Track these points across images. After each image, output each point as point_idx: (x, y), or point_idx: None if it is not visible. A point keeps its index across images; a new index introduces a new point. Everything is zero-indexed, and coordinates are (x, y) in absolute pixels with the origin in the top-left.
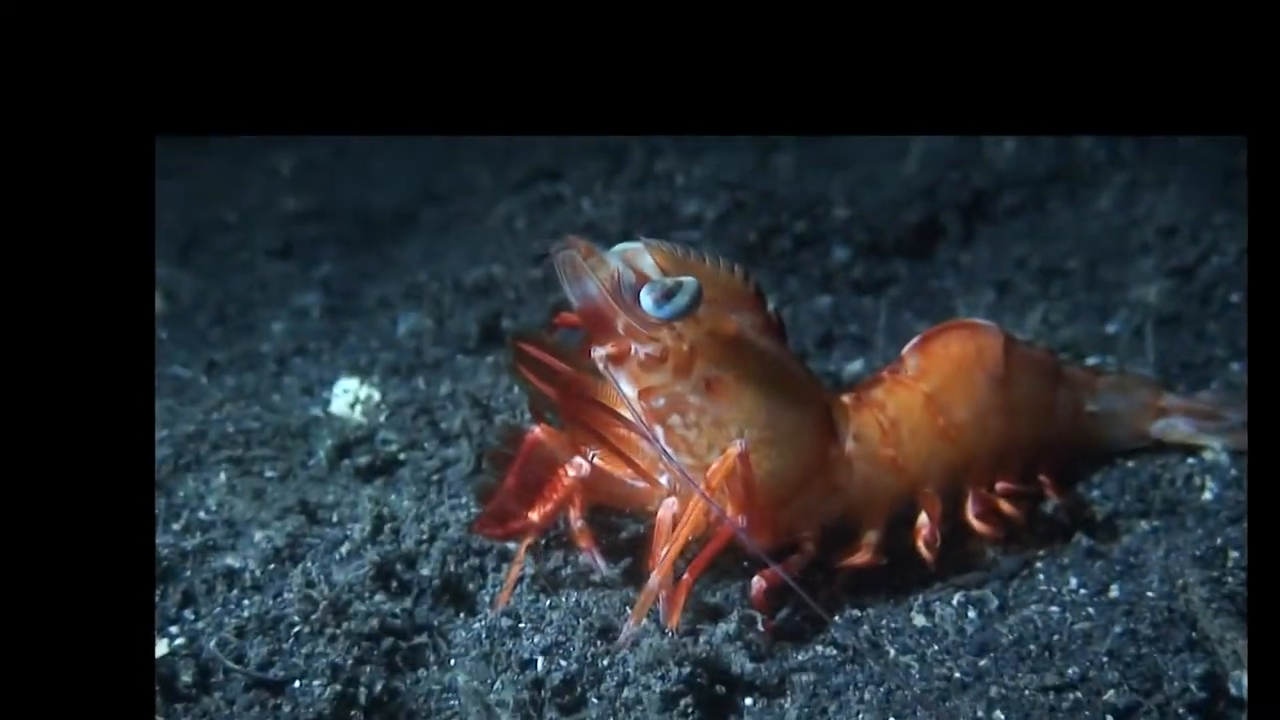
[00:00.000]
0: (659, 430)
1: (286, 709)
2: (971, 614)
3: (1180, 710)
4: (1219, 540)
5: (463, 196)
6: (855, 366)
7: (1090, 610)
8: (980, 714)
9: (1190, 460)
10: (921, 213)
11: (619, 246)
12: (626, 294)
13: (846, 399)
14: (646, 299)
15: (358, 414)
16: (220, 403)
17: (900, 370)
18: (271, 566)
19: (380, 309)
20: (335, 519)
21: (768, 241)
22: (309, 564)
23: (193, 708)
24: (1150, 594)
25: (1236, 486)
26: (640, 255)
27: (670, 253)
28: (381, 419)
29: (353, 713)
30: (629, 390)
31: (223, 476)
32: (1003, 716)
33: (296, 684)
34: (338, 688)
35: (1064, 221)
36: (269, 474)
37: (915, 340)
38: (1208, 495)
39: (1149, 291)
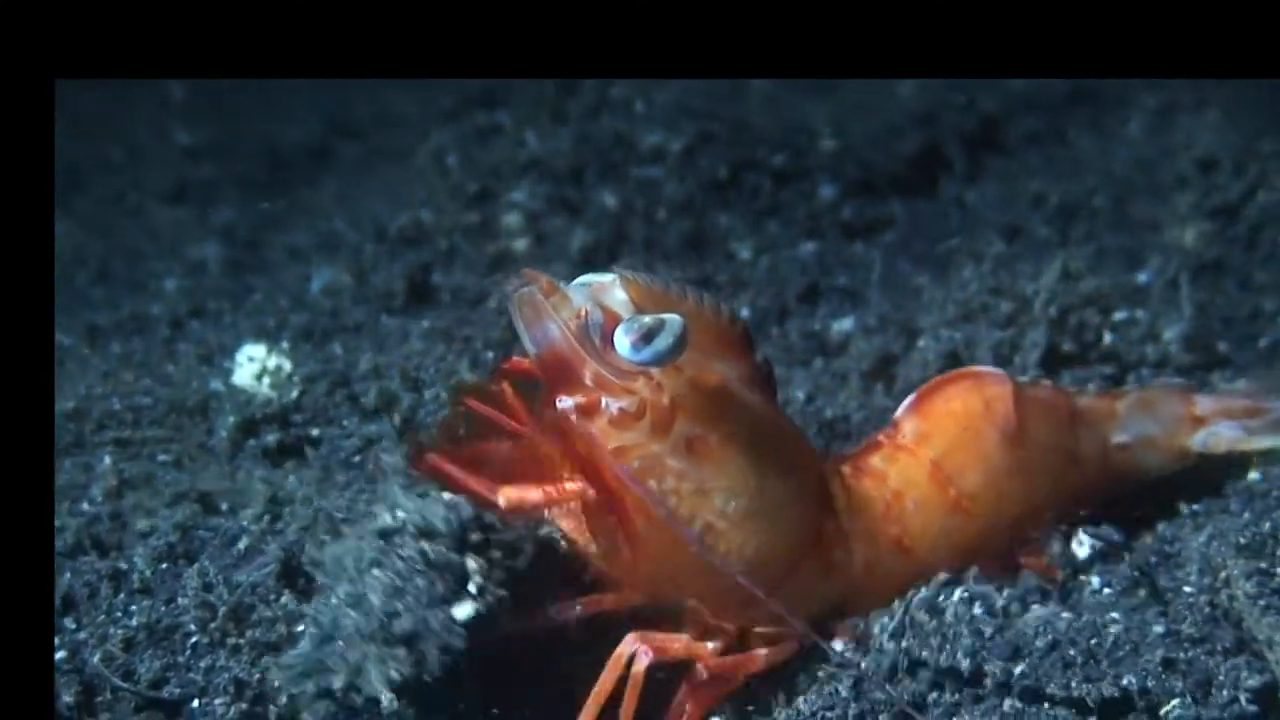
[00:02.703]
0: (649, 487)
1: None
2: (978, 610)
3: None
4: (1267, 525)
5: (384, 129)
6: (844, 324)
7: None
8: None
9: None
10: (919, 143)
11: (584, 278)
12: (596, 336)
13: (843, 468)
14: (622, 340)
15: (265, 387)
16: (104, 375)
17: (897, 435)
18: (164, 566)
19: (290, 262)
20: (237, 510)
21: (741, 178)
22: (206, 563)
23: None
24: (1188, 588)
25: None
26: (611, 289)
27: (647, 285)
28: (293, 393)
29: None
30: (603, 452)
31: (108, 461)
32: None
33: (195, 703)
34: (243, 706)
35: (1087, 152)
36: (161, 458)
37: (911, 398)
38: (1254, 475)
39: (1186, 234)
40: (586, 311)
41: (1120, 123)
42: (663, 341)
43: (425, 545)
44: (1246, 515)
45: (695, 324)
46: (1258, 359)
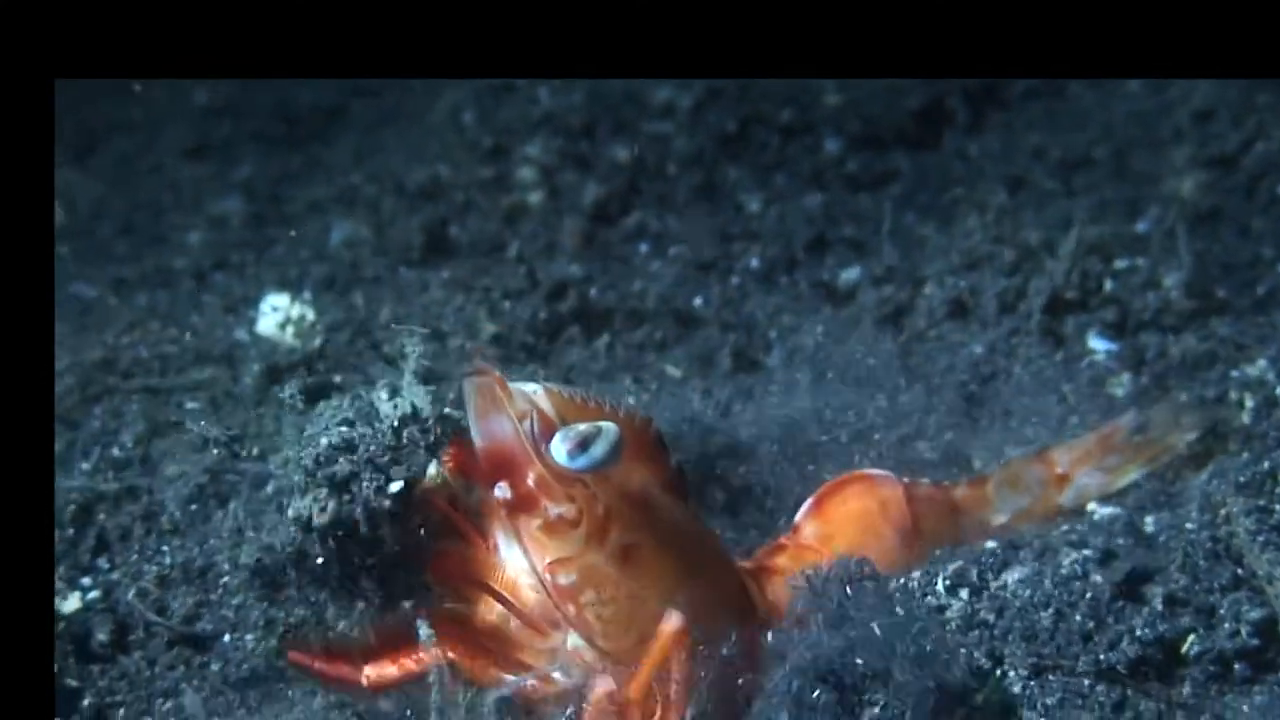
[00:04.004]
0: (570, 610)
1: (215, 667)
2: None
3: (1229, 656)
4: (1266, 465)
5: (400, 88)
6: (851, 274)
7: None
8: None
9: (1234, 373)
10: (923, 97)
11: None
12: (538, 441)
13: (750, 567)
14: (559, 448)
15: (289, 336)
16: (131, 325)
17: (798, 536)
18: (194, 508)
19: (310, 216)
20: (266, 454)
21: (749, 133)
22: (236, 505)
23: (110, 669)
24: (1190, 525)
25: None
26: (538, 399)
27: (567, 396)
28: (316, 342)
29: (289, 669)
30: (535, 559)
31: (136, 408)
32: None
33: (227, 638)
34: (272, 642)
35: (1087, 105)
36: (189, 404)
37: (809, 502)
38: (1246, 419)
39: (1184, 184)
40: (532, 414)
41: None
42: (599, 449)
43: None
44: (1245, 455)
45: None
46: (1256, 305)
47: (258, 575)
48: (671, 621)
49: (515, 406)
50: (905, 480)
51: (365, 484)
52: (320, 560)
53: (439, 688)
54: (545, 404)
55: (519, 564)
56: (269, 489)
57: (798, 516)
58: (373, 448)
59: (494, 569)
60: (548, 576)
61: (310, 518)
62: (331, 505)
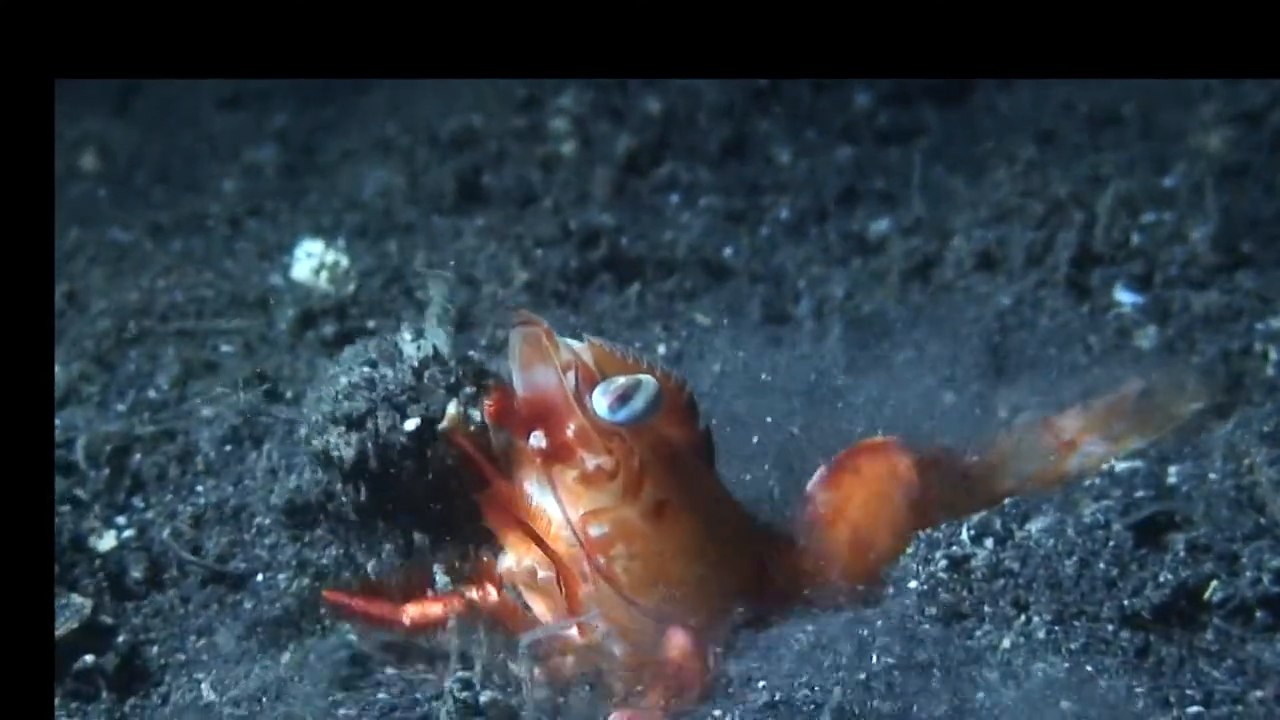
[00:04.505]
0: (600, 562)
1: (249, 605)
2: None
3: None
4: None
5: None
6: (881, 226)
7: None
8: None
9: (1258, 325)
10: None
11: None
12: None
13: (766, 534)
14: (600, 400)
15: (323, 281)
16: (167, 270)
17: (811, 507)
18: (229, 449)
19: (344, 164)
20: (297, 395)
21: (780, 86)
22: (270, 446)
23: (143, 606)
24: (1213, 475)
25: None
26: (582, 352)
27: (609, 350)
28: (350, 288)
29: (322, 609)
30: (571, 511)
31: (172, 351)
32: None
33: (260, 577)
34: (305, 581)
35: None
36: (225, 348)
37: (820, 472)
38: (1270, 371)
39: (1211, 139)
40: (576, 366)
41: None
42: (639, 402)
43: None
44: (1269, 406)
45: None
46: None
47: (289, 515)
48: (676, 643)
49: (560, 358)
50: (915, 448)
51: (381, 420)
52: (343, 499)
53: (458, 631)
54: (588, 357)
55: (552, 514)
56: (302, 431)
57: (809, 485)
58: (391, 387)
59: (528, 516)
60: (580, 527)
61: (331, 454)
62: (349, 442)
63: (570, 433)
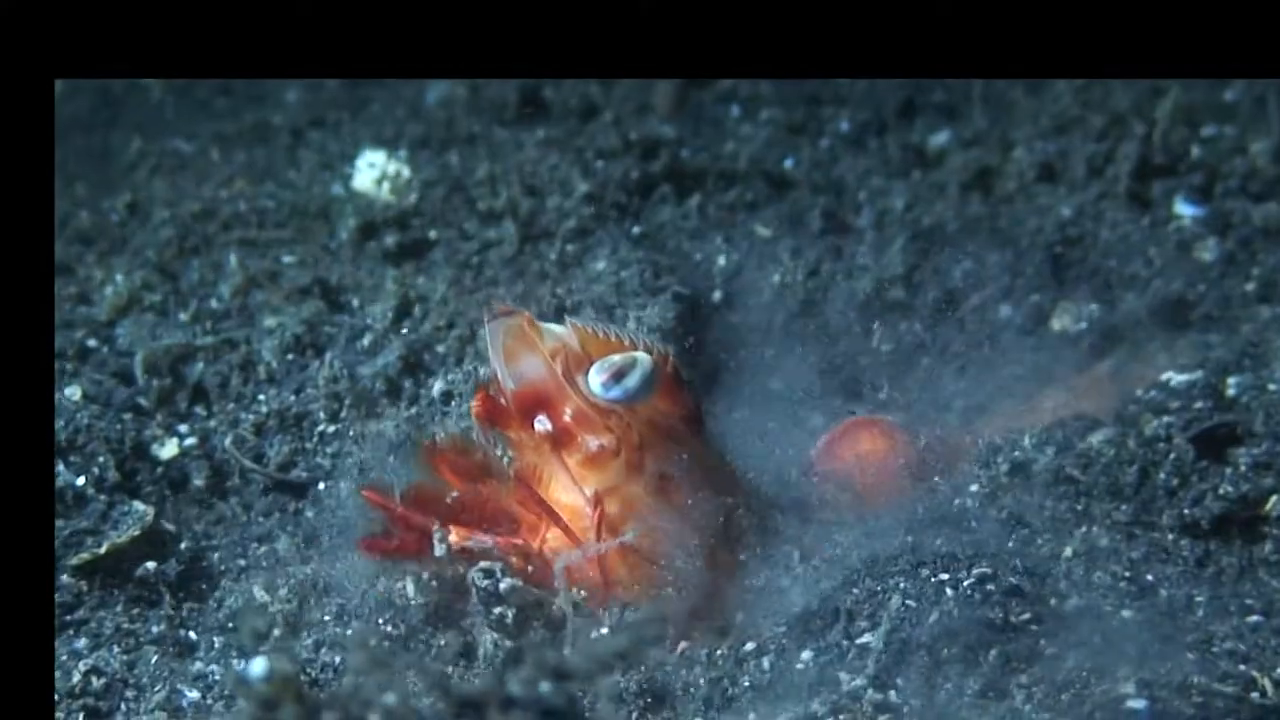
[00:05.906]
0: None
1: (310, 514)
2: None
3: None
4: None
5: None
6: (940, 139)
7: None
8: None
9: None
10: None
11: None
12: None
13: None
14: (595, 379)
15: (385, 192)
16: (229, 179)
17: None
18: (290, 358)
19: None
20: (360, 305)
21: None
22: (332, 355)
23: (205, 514)
24: (1272, 386)
25: None
26: (566, 336)
27: (592, 331)
28: (412, 198)
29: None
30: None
31: (234, 260)
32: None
33: (321, 486)
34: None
35: None
36: (286, 258)
37: (819, 445)
38: None
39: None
40: (563, 350)
41: None
42: (634, 380)
43: None
44: None
45: None
46: None
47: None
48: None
49: (545, 344)
50: (906, 428)
51: None
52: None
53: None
54: (573, 340)
55: (563, 498)
56: (365, 340)
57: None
58: None
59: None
60: (594, 506)
61: None
62: None
63: (568, 417)
